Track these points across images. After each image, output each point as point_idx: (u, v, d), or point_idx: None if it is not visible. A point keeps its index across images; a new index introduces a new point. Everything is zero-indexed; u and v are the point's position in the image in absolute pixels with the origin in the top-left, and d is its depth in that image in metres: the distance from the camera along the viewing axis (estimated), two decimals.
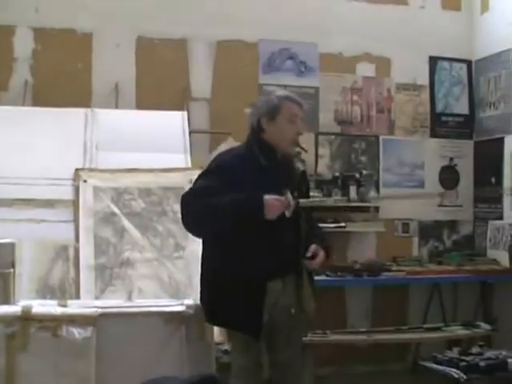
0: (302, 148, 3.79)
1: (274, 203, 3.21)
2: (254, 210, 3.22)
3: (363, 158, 6.24)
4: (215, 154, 5.60)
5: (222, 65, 5.83)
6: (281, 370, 3.37)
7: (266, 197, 3.20)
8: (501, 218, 6.18)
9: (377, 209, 6.16)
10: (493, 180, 6.31)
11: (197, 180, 3.46)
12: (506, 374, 4.38)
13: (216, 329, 3.79)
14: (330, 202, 5.26)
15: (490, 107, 6.36)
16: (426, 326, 5.60)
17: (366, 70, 6.26)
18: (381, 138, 6.36)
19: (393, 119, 6.41)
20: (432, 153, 6.53)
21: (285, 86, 5.94)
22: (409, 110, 6.46)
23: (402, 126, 6.44)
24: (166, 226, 4.43)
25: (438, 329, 5.44)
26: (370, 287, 5.93)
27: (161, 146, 4.81)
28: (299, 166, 3.69)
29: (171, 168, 4.65)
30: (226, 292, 3.27)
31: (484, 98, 6.46)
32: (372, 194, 6.07)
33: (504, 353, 4.63)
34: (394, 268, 5.71)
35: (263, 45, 5.96)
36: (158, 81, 5.59)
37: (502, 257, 5.77)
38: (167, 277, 4.26)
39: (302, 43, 6.03)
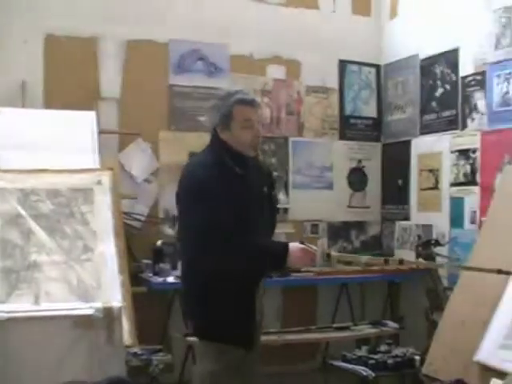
0: (260, 150, 3.74)
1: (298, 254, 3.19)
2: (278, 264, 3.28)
3: (273, 160, 6.26)
4: (124, 154, 5.66)
5: (131, 64, 5.74)
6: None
7: (292, 247, 3.18)
8: (408, 218, 6.31)
9: (286, 210, 6.21)
10: (400, 182, 6.43)
11: (191, 211, 3.23)
12: (413, 371, 4.47)
13: (126, 331, 3.74)
14: None
15: (398, 111, 6.49)
16: (335, 325, 5.66)
17: (276, 72, 6.28)
18: (290, 139, 6.40)
19: (302, 121, 6.46)
20: (341, 155, 6.61)
21: (195, 88, 5.95)
22: (318, 113, 6.52)
23: (312, 128, 6.50)
24: (74, 227, 4.35)
25: (346, 328, 5.50)
26: (279, 288, 5.96)
27: (69, 147, 4.73)
28: (268, 168, 3.68)
29: (80, 169, 4.57)
30: (223, 305, 3.21)
31: (392, 101, 6.59)
32: (281, 195, 6.11)
33: (411, 350, 4.72)
34: (304, 269, 5.74)
35: (174, 45, 5.90)
36: (67, 80, 5.46)
37: (409, 256, 5.88)
38: (76, 280, 4.17)
39: (213, 44, 6.00)
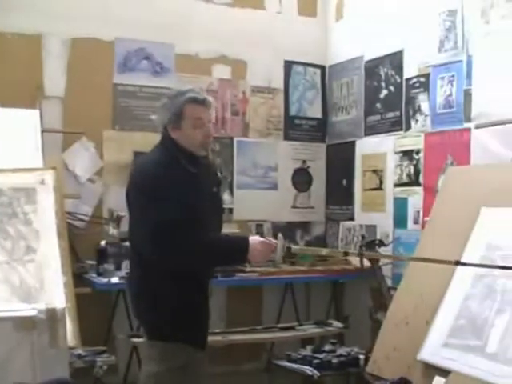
0: (210, 150, 3.73)
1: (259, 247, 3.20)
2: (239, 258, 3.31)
3: (218, 160, 6.24)
4: (68, 153, 5.59)
5: (76, 63, 5.66)
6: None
7: (252, 241, 3.19)
8: (352, 219, 6.36)
9: (231, 210, 6.21)
10: (344, 182, 6.48)
11: (144, 210, 3.20)
12: (358, 370, 4.51)
13: (69, 333, 3.70)
14: None
15: (342, 112, 6.54)
16: (279, 325, 5.67)
17: (221, 72, 6.27)
18: (235, 139, 6.39)
19: (247, 121, 6.46)
20: (285, 155, 6.63)
21: (140, 87, 5.91)
22: (263, 113, 6.52)
23: (257, 129, 6.50)
24: (17, 228, 4.29)
25: (291, 328, 5.52)
26: (224, 288, 5.95)
27: (12, 146, 4.66)
28: (216, 168, 3.68)
29: (22, 168, 4.50)
30: (177, 305, 3.21)
31: (336, 102, 6.63)
32: (226, 195, 6.11)
33: (355, 349, 4.76)
34: (248, 269, 5.74)
35: (119, 44, 5.83)
36: (10, 77, 5.35)
37: (353, 257, 5.92)
38: (18, 281, 4.11)
39: (159, 43, 5.95)
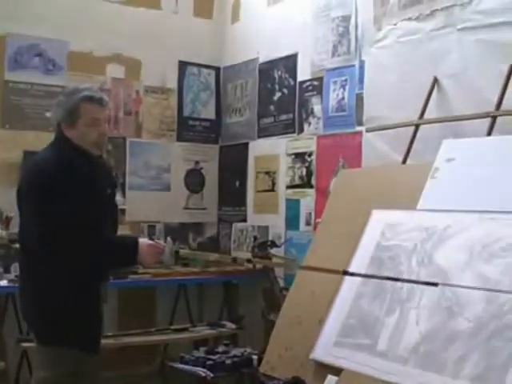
0: (105, 151, 3.67)
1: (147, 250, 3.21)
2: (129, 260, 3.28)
3: (110, 160, 6.15)
4: None
5: None
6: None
7: (140, 243, 3.19)
8: (244, 220, 6.40)
9: (123, 211, 6.14)
10: (237, 183, 6.52)
11: (39, 210, 3.12)
12: (251, 370, 4.52)
13: None
14: None
15: (236, 113, 6.57)
16: (173, 327, 5.65)
17: (115, 71, 6.19)
18: (128, 140, 6.33)
19: (141, 122, 6.40)
20: (178, 156, 6.62)
21: (32, 84, 5.76)
22: (157, 113, 6.49)
23: (150, 129, 6.46)
24: None
25: (185, 330, 5.50)
26: (115, 290, 5.86)
27: None
28: (111, 168, 3.61)
29: None
30: (69, 306, 3.14)
31: (231, 104, 6.66)
32: (118, 196, 6.03)
33: (249, 350, 4.77)
34: (141, 270, 5.69)
35: (11, 39, 5.67)
36: None
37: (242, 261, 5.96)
38: None
39: (52, 40, 5.82)
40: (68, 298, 3.14)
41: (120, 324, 5.87)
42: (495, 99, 3.77)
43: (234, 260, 5.20)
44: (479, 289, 2.91)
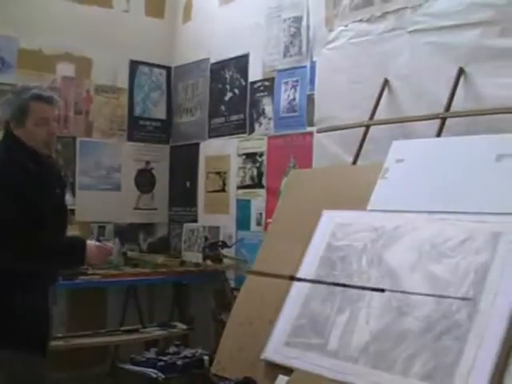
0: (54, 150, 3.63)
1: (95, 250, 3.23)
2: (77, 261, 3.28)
3: (60, 160, 6.08)
4: None
5: None
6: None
7: (88, 245, 3.20)
8: (195, 220, 6.38)
9: (73, 211, 6.06)
10: (188, 184, 6.50)
11: None
12: (202, 371, 4.51)
13: None
14: None
15: (187, 113, 6.56)
16: (123, 328, 5.62)
17: (66, 69, 6.11)
18: (78, 139, 6.27)
19: (91, 121, 6.35)
20: (129, 156, 6.58)
21: None
22: (107, 113, 6.44)
23: (100, 129, 6.41)
24: None
25: (135, 331, 5.48)
26: (63, 291, 5.79)
27: None
28: (60, 168, 3.57)
29: None
30: (15, 307, 3.10)
31: (182, 104, 6.64)
32: (67, 196, 5.96)
33: (200, 351, 4.75)
34: (90, 271, 5.63)
35: None
36: None
37: (197, 258, 5.95)
38: None
39: (2, 37, 5.71)
40: (15, 299, 3.09)
41: (70, 325, 5.80)
42: (445, 101, 3.82)
43: (182, 263, 5.18)
44: (422, 294, 2.94)
